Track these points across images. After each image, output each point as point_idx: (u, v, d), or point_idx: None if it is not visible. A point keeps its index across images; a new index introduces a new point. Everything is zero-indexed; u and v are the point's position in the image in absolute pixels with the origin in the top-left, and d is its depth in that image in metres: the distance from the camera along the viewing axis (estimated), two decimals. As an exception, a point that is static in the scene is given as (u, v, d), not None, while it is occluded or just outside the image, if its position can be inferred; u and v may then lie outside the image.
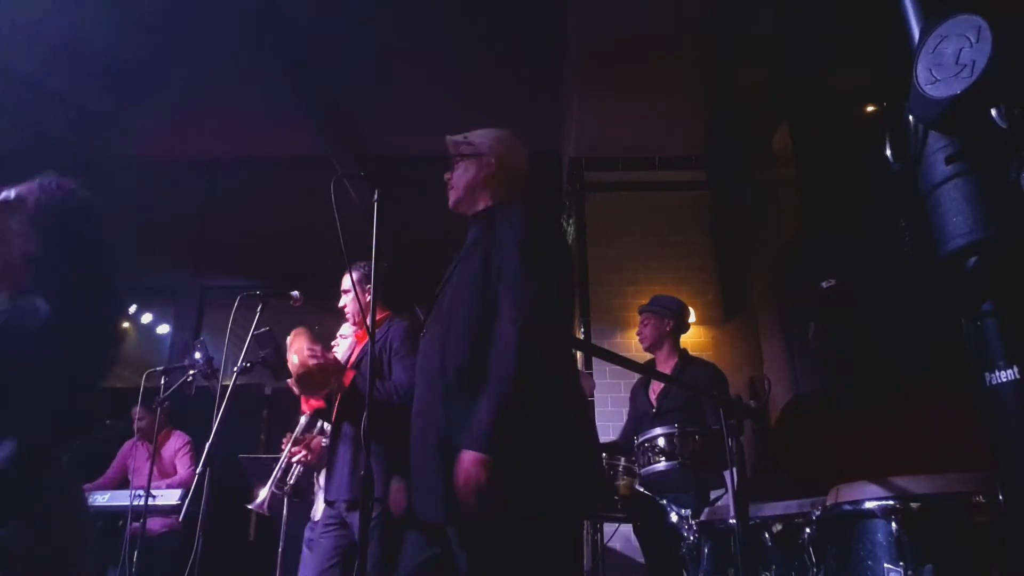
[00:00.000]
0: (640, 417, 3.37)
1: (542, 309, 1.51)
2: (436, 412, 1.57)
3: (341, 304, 2.76)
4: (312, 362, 2.32)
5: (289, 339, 2.46)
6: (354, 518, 2.32)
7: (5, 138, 5.26)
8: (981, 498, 1.41)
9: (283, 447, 3.09)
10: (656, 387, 3.31)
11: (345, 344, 2.85)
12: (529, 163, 1.90)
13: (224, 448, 2.50)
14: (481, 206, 1.82)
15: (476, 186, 1.82)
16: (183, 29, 5.11)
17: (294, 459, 3.04)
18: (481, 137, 1.87)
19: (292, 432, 3.11)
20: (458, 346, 1.58)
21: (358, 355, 2.65)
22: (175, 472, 4.31)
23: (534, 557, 1.44)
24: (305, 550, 3.15)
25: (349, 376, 2.42)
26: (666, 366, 3.32)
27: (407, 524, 1.59)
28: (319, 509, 3.04)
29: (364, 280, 2.58)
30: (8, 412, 1.37)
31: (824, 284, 2.21)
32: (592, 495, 1.64)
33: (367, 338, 2.68)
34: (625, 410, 3.62)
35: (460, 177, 1.84)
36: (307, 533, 3.18)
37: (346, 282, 2.72)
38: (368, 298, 2.09)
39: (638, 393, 3.40)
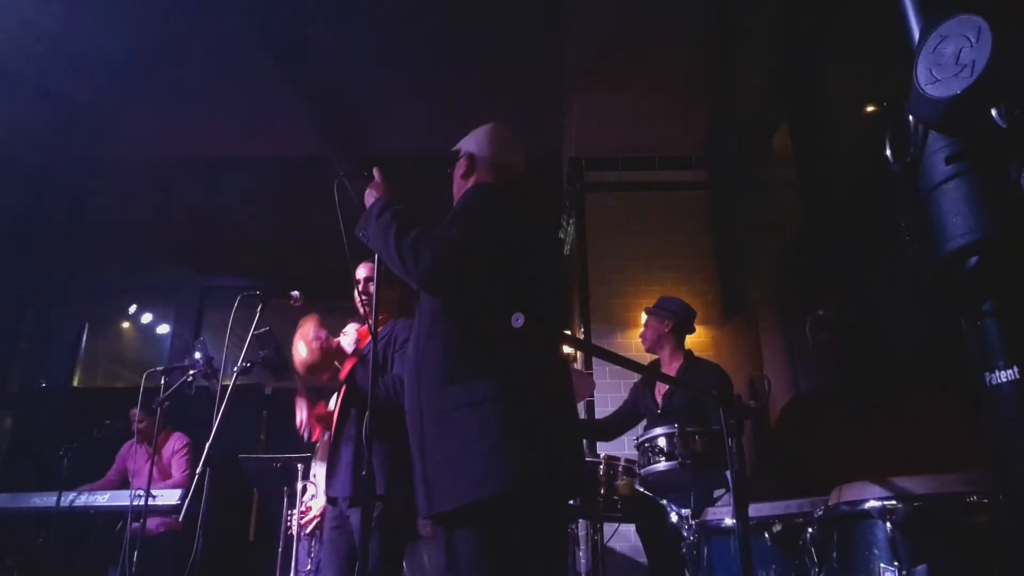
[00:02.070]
0: (646, 417, 3.37)
1: (453, 246, 1.51)
2: (415, 409, 1.58)
3: (360, 293, 2.64)
4: (316, 345, 2.37)
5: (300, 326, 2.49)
6: (355, 515, 2.32)
7: (5, 138, 5.26)
8: (977, 498, 1.41)
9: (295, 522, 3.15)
10: (662, 387, 3.32)
11: (348, 340, 2.82)
12: (514, 151, 1.89)
13: (224, 448, 2.50)
14: None
15: (458, 186, 1.86)
16: (183, 29, 5.11)
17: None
18: (464, 140, 1.91)
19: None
20: (424, 344, 1.60)
21: (364, 347, 2.63)
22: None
23: (516, 544, 1.43)
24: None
25: (348, 365, 2.43)
26: (670, 367, 3.32)
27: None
28: (319, 503, 3.05)
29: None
30: None
31: (820, 313, 2.21)
32: (571, 482, 1.62)
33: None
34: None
35: (455, 179, 1.88)
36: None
37: (361, 271, 2.63)
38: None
39: (642, 392, 3.40)
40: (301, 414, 2.58)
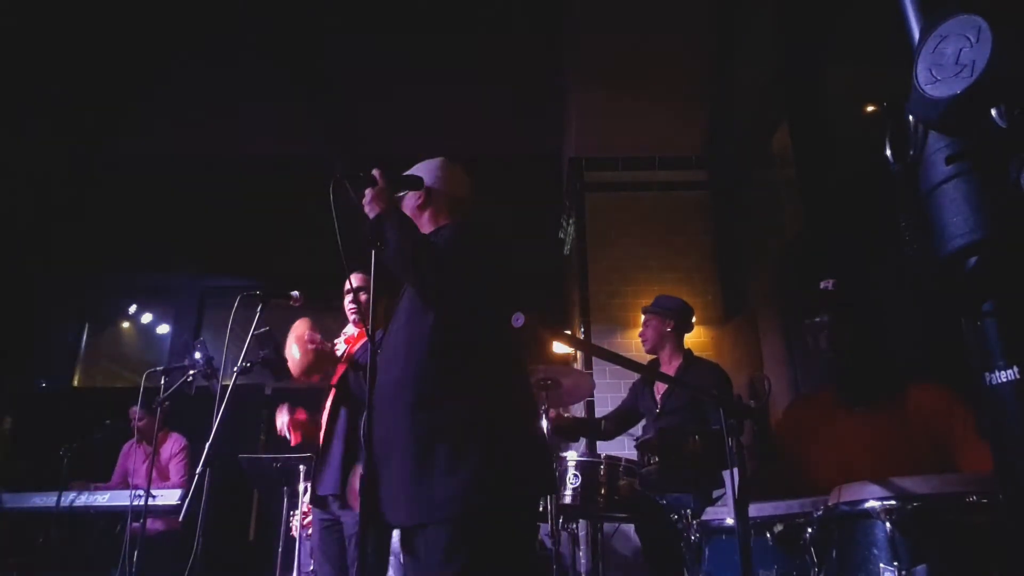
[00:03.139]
0: (645, 416, 3.37)
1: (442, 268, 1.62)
2: (396, 420, 1.63)
3: (349, 302, 2.72)
4: (311, 347, 2.43)
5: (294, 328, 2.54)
6: (347, 516, 2.33)
7: (5, 139, 5.26)
8: (977, 498, 1.40)
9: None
10: (661, 386, 3.31)
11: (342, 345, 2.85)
12: (465, 185, 2.00)
13: (224, 448, 2.50)
14: (426, 231, 1.89)
15: (412, 214, 1.90)
16: (183, 29, 5.11)
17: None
18: (416, 169, 1.97)
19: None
20: (399, 360, 1.68)
21: (354, 353, 2.66)
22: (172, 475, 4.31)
23: (495, 549, 1.53)
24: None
25: (340, 370, 2.45)
26: (670, 367, 3.31)
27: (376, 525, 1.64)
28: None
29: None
30: None
31: (822, 284, 2.20)
32: (544, 488, 1.80)
33: (360, 339, 2.70)
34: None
35: (405, 207, 1.94)
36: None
37: (353, 281, 2.70)
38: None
39: (642, 392, 3.40)
40: (281, 419, 2.68)
